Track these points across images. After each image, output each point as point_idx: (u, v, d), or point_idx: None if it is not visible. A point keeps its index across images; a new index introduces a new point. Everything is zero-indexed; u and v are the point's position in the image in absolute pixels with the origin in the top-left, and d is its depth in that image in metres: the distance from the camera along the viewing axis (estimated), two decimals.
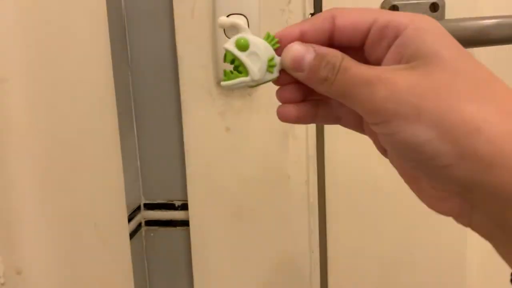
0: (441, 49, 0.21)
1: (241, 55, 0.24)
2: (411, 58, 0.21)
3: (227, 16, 0.24)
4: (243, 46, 0.24)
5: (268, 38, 0.24)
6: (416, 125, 0.20)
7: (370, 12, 0.23)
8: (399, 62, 0.22)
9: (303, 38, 0.24)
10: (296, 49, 0.23)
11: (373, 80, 0.21)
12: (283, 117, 0.25)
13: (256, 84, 0.25)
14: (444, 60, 0.21)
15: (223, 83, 0.25)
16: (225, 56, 0.25)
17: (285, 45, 0.24)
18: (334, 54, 0.23)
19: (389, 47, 0.23)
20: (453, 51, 0.21)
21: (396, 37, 0.22)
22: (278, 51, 0.24)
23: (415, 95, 0.20)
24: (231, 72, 0.25)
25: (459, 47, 0.22)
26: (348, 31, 0.23)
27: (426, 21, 0.22)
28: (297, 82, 0.25)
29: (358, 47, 0.24)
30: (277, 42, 0.24)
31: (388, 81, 0.21)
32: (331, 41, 0.24)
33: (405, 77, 0.21)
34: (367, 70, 0.22)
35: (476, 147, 0.19)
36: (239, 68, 0.25)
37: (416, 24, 0.22)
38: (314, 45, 0.23)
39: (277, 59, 0.24)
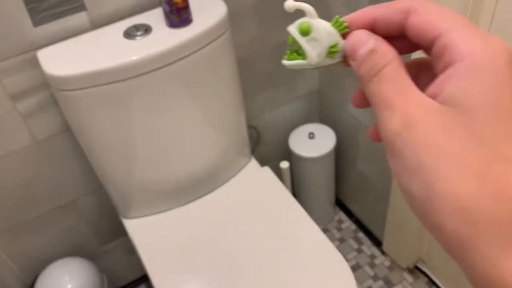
0: (480, 107, 0.18)
1: (301, 40, 0.24)
2: (447, 100, 0.19)
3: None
4: (304, 31, 0.24)
5: (336, 23, 0.24)
6: (410, 179, 0.19)
7: (445, 20, 0.20)
8: (437, 94, 0.19)
9: (374, 26, 0.22)
10: (356, 38, 0.22)
11: (397, 107, 0.19)
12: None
13: (315, 67, 0.24)
14: (468, 121, 0.18)
15: (283, 61, 0.25)
16: (288, 38, 0.25)
17: (353, 31, 0.23)
18: (385, 55, 0.21)
19: (444, 69, 0.19)
20: (492, 110, 0.18)
21: (449, 64, 0.19)
22: (347, 35, 0.23)
23: (417, 145, 0.18)
24: (292, 52, 0.25)
25: (507, 91, 0.18)
26: (418, 33, 0.21)
27: (487, 56, 0.18)
28: None
29: (428, 50, 0.21)
30: (347, 27, 0.23)
31: (407, 116, 0.19)
32: (402, 33, 0.22)
33: (421, 120, 0.19)
34: (399, 93, 0.20)
35: (460, 229, 0.18)
36: (299, 50, 0.24)
37: (472, 60, 0.18)
38: (378, 39, 0.22)
39: (342, 44, 0.23)
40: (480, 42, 0.19)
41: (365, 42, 0.21)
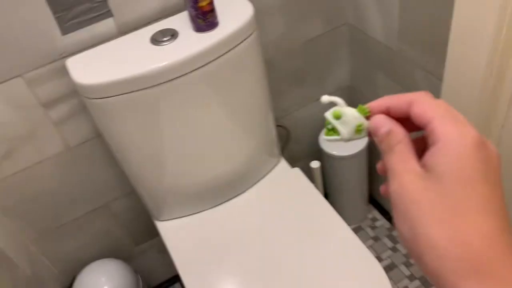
0: (450, 173, 0.25)
1: (335, 122, 0.32)
2: (429, 169, 0.26)
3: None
4: (337, 116, 0.32)
5: (360, 109, 0.32)
6: (403, 227, 0.26)
7: (433, 111, 0.28)
8: (425, 164, 0.27)
9: (388, 111, 0.31)
10: (377, 120, 0.31)
11: (397, 173, 0.27)
12: None
13: (348, 140, 0.33)
14: (443, 186, 0.25)
15: (325, 137, 0.34)
16: (326, 121, 0.33)
17: (374, 114, 0.31)
18: (397, 136, 0.29)
19: (430, 146, 0.27)
20: (459, 177, 0.25)
21: (433, 143, 0.27)
22: (369, 117, 0.32)
23: (406, 203, 0.26)
24: (329, 130, 0.33)
25: (471, 173, 0.25)
26: (416, 119, 0.29)
27: (456, 138, 0.26)
28: None
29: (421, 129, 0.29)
30: (369, 111, 0.32)
31: (400, 181, 0.27)
32: (408, 117, 0.30)
33: (408, 184, 0.26)
34: (399, 163, 0.28)
35: (447, 266, 0.24)
36: (334, 129, 0.33)
37: (445, 141, 0.26)
38: (392, 122, 0.30)
39: (366, 124, 0.32)
40: (452, 127, 0.26)
41: (383, 125, 0.30)
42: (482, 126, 0.92)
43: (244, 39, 0.84)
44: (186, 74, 0.80)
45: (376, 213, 1.52)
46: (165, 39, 0.82)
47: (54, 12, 0.81)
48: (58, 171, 1.00)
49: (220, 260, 0.94)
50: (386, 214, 1.50)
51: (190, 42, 0.81)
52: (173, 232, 1.03)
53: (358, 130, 0.32)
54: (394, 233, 1.46)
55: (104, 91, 0.79)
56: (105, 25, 0.86)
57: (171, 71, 0.79)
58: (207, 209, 1.06)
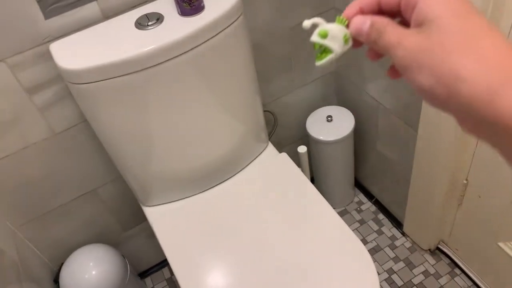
0: (442, 14, 0.27)
1: (325, 41, 0.33)
2: (421, 23, 0.28)
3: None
4: (324, 35, 0.33)
5: (340, 21, 0.33)
6: (420, 76, 0.27)
7: None
8: (419, 25, 0.28)
9: (362, 12, 0.33)
10: (356, 21, 0.32)
11: (395, 44, 0.29)
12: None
13: (339, 55, 0.33)
14: (442, 23, 0.27)
15: (318, 63, 0.34)
16: (314, 46, 0.34)
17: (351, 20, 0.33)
18: (381, 22, 0.30)
19: (410, 14, 0.30)
20: (453, 13, 0.27)
21: (415, 6, 0.29)
22: (349, 25, 0.33)
23: (419, 54, 0.27)
24: (320, 54, 0.34)
25: (462, 8, 0.27)
26: (388, 2, 0.31)
27: None
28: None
29: (400, 12, 0.31)
30: (347, 19, 0.33)
31: (403, 45, 0.28)
32: (382, 11, 0.32)
33: (413, 40, 0.28)
34: (394, 35, 0.29)
35: (459, 90, 0.25)
36: (325, 49, 0.33)
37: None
38: (370, 16, 0.31)
39: (349, 33, 0.33)
40: None
41: (363, 21, 0.31)
42: None
43: (230, 24, 0.83)
44: (172, 58, 0.80)
45: (362, 197, 1.54)
46: (150, 23, 0.82)
47: None
48: (44, 157, 0.99)
49: (208, 244, 0.95)
50: (372, 197, 1.52)
51: (176, 26, 0.80)
52: (161, 218, 1.03)
53: (345, 40, 0.33)
54: (380, 216, 1.48)
55: (88, 76, 0.78)
56: (89, 9, 0.85)
57: (156, 55, 0.78)
58: (194, 195, 1.06)
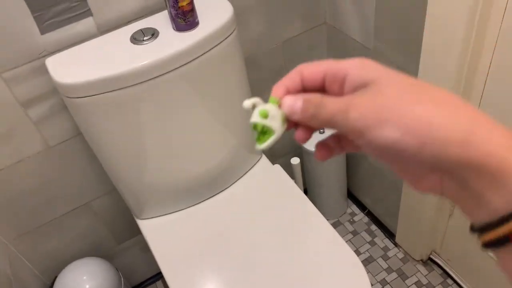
0: (381, 74, 0.28)
1: (267, 122, 0.32)
2: (362, 85, 0.28)
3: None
4: (265, 115, 0.31)
5: (274, 101, 0.32)
6: (384, 131, 0.26)
7: (323, 63, 0.31)
8: (354, 91, 0.29)
9: (289, 92, 0.32)
10: (288, 100, 0.31)
11: (344, 107, 0.28)
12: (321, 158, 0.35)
13: (280, 136, 0.32)
14: (386, 80, 0.28)
15: (260, 146, 0.32)
16: (254, 127, 0.32)
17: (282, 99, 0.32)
18: (315, 96, 0.30)
19: (341, 86, 0.30)
20: (392, 73, 0.28)
21: (344, 77, 0.30)
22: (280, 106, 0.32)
23: (376, 110, 0.27)
24: (260, 136, 0.32)
25: (393, 71, 0.29)
26: (312, 79, 0.32)
27: (363, 59, 0.30)
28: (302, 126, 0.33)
29: (322, 89, 0.32)
30: (279, 99, 0.32)
31: (354, 107, 0.28)
32: (305, 88, 0.32)
33: (364, 99, 0.28)
34: (339, 102, 0.29)
35: (434, 136, 0.25)
36: (266, 130, 0.32)
37: (356, 63, 0.30)
38: (302, 94, 0.31)
39: (283, 112, 0.32)
40: (350, 60, 0.30)
41: (295, 100, 0.31)
42: None
43: (224, 39, 0.85)
44: (167, 73, 0.81)
45: (354, 208, 1.55)
46: (145, 38, 0.83)
47: (33, 11, 0.80)
48: (38, 170, 0.99)
49: (202, 257, 0.95)
50: (365, 208, 1.54)
51: (171, 41, 0.82)
52: (155, 230, 1.03)
53: (283, 121, 0.32)
54: (373, 227, 1.49)
55: (84, 90, 0.79)
56: (85, 24, 0.86)
57: (151, 70, 0.80)
58: (189, 207, 1.07)
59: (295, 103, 0.31)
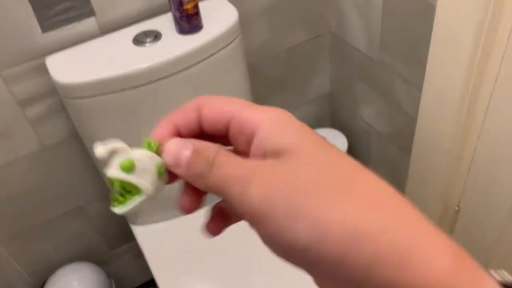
0: (301, 142, 0.21)
1: (130, 177, 0.22)
2: (274, 153, 0.21)
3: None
4: (128, 168, 0.22)
5: (149, 146, 0.23)
6: (294, 227, 0.19)
7: (230, 104, 0.23)
8: (263, 157, 0.22)
9: (178, 132, 0.24)
10: (173, 146, 0.23)
11: (245, 176, 0.21)
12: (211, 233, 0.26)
13: (154, 196, 0.23)
14: (306, 154, 0.21)
15: (118, 209, 0.23)
16: (112, 184, 0.23)
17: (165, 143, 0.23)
18: (209, 149, 0.22)
19: (248, 142, 0.23)
20: (313, 143, 0.21)
21: (253, 133, 0.22)
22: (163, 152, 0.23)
23: (287, 193, 0.19)
24: (121, 196, 0.23)
25: (319, 137, 0.22)
26: (212, 122, 0.24)
27: (280, 115, 0.22)
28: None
29: (225, 135, 0.24)
30: (159, 144, 0.23)
31: (260, 179, 0.20)
32: (202, 130, 0.24)
33: (274, 176, 0.20)
34: (240, 166, 0.21)
35: (358, 249, 0.18)
36: (130, 189, 0.23)
37: (270, 119, 0.22)
38: (193, 140, 0.23)
39: (162, 161, 0.23)
40: (266, 111, 0.22)
41: (182, 147, 0.22)
42: (459, 137, 0.94)
43: (228, 44, 0.84)
44: (168, 76, 0.80)
45: None
46: (148, 39, 0.82)
47: (35, 9, 0.79)
48: (31, 171, 0.97)
49: (196, 265, 0.93)
50: None
51: (173, 44, 0.80)
52: (150, 237, 1.01)
53: (160, 174, 0.23)
54: None
55: (83, 91, 0.77)
56: (87, 24, 0.85)
57: (153, 72, 0.78)
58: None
59: (181, 152, 0.22)
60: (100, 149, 0.23)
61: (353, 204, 0.19)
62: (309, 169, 0.20)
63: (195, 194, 0.24)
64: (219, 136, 0.24)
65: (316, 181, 0.20)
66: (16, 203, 1.00)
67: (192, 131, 0.24)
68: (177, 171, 0.23)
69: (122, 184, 0.22)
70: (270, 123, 0.22)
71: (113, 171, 0.22)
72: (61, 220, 1.09)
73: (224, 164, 0.21)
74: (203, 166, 0.22)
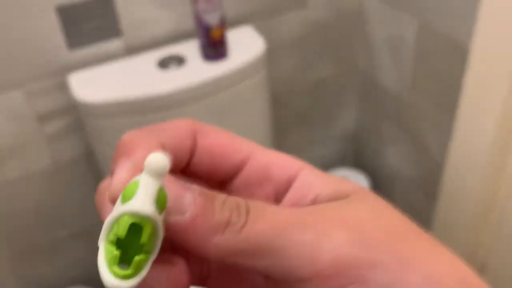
0: (356, 186, 0.18)
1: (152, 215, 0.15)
2: (334, 196, 0.17)
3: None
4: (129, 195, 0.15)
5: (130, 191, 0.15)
6: (406, 279, 0.15)
7: (242, 142, 0.19)
8: (313, 202, 0.17)
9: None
10: (170, 191, 0.15)
11: (311, 221, 0.15)
12: None
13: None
14: (374, 197, 0.17)
15: (120, 284, 0.15)
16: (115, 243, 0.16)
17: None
18: (234, 198, 0.16)
19: (276, 190, 0.18)
20: (364, 189, 0.18)
21: (290, 180, 0.18)
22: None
23: (384, 237, 0.15)
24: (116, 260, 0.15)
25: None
26: (215, 157, 0.18)
27: (306, 164, 0.19)
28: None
29: (217, 178, 0.18)
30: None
31: (340, 220, 0.15)
32: (188, 165, 0.18)
33: (352, 215, 0.16)
34: (291, 211, 0.16)
35: None
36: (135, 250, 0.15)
37: (306, 166, 0.19)
38: (194, 186, 0.16)
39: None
40: (291, 159, 0.19)
41: (182, 188, 0.15)
42: (490, 190, 0.88)
43: (253, 74, 0.82)
44: (190, 102, 0.77)
45: None
46: (172, 64, 0.80)
47: (64, 25, 0.79)
48: (42, 188, 0.95)
49: None
50: None
51: (198, 70, 0.79)
52: None
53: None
54: None
55: (104, 111, 0.76)
56: (113, 44, 0.84)
57: (175, 96, 0.76)
58: None
59: (186, 189, 0.15)
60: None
61: (445, 253, 0.16)
62: (387, 212, 0.16)
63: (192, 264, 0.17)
64: (206, 178, 0.18)
65: (403, 226, 0.16)
66: (23, 220, 0.98)
67: (179, 163, 0.18)
68: (174, 219, 0.15)
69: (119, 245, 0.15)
70: (312, 169, 0.18)
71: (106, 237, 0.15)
72: (67, 241, 1.06)
73: (268, 209, 0.15)
74: (231, 212, 0.15)
